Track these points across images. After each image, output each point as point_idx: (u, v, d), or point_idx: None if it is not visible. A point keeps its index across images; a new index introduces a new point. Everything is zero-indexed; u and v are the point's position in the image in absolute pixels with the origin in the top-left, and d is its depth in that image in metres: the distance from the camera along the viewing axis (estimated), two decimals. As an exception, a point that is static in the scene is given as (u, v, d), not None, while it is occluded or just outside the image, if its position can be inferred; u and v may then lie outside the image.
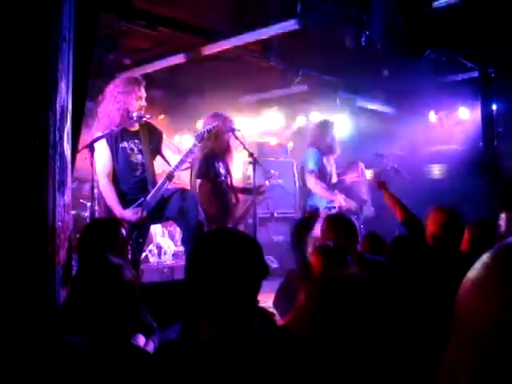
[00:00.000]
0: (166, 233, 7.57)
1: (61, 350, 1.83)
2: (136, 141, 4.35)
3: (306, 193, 6.20)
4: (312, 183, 6.06)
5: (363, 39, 5.00)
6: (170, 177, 4.30)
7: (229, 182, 5.36)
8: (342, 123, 8.86)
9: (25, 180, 2.57)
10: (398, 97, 8.06)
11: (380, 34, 4.85)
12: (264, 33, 5.59)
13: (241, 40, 5.87)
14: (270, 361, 1.44)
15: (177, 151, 4.73)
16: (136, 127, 4.39)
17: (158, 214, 4.33)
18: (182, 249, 6.65)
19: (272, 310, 3.61)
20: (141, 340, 2.78)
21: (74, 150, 3.14)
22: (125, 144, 4.30)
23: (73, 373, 1.75)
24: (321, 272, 2.80)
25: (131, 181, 4.31)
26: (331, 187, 6.28)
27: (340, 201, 6.29)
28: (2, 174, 2.53)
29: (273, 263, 7.36)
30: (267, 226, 8.50)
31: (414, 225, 3.82)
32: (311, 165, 6.09)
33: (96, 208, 4.37)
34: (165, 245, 7.41)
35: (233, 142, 5.36)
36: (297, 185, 7.80)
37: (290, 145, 9.08)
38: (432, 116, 8.72)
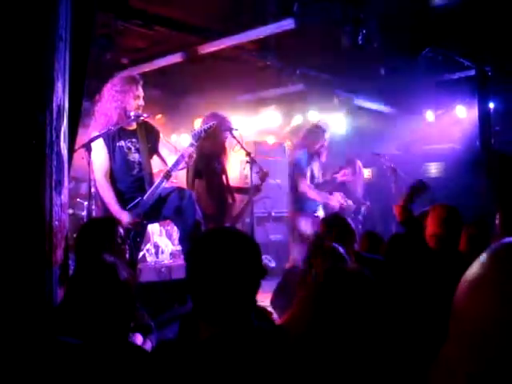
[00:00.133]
0: (164, 232, 7.56)
1: (58, 349, 1.82)
2: (133, 140, 4.35)
3: (297, 195, 6.25)
4: (306, 187, 6.12)
5: (360, 38, 5.00)
6: (167, 176, 4.30)
7: (225, 182, 5.36)
8: (339, 122, 8.88)
9: (22, 179, 2.56)
10: (395, 96, 8.06)
11: (377, 32, 4.85)
12: (261, 32, 5.59)
13: (238, 39, 5.86)
14: (268, 360, 1.44)
15: (174, 151, 4.72)
16: (133, 126, 4.39)
17: (155, 213, 4.32)
18: (179, 248, 6.64)
19: (270, 308, 3.61)
20: (138, 339, 2.78)
21: (71, 150, 3.14)
22: (122, 143, 4.30)
23: (69, 372, 1.74)
24: (319, 271, 2.80)
25: (128, 180, 4.30)
26: (317, 187, 6.35)
27: (338, 200, 6.33)
28: (-2, 174, 2.53)
29: (270, 262, 7.37)
30: (265, 225, 8.51)
31: (412, 223, 3.82)
32: (303, 168, 6.15)
33: (93, 207, 4.36)
34: (162, 244, 7.41)
35: (230, 142, 5.37)
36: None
37: (288, 144, 9.08)
38: (429, 115, 8.72)
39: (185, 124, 8.56)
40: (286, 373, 1.42)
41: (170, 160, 4.45)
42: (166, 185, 4.31)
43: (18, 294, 2.48)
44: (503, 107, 7.32)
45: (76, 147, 3.59)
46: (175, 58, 6.52)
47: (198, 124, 5.35)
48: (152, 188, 4.24)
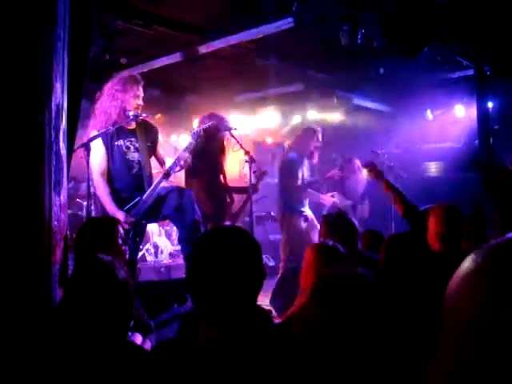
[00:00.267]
0: (163, 232, 7.57)
1: (59, 347, 1.83)
2: (132, 139, 4.35)
3: (286, 196, 6.31)
4: (299, 189, 6.21)
5: (359, 37, 5.00)
6: (166, 175, 4.30)
7: (222, 181, 5.37)
8: (339, 121, 8.88)
9: (21, 179, 2.57)
10: (394, 95, 8.06)
11: (376, 32, 4.85)
12: (260, 31, 5.59)
13: (237, 39, 5.86)
14: (269, 359, 1.44)
15: (172, 151, 4.74)
16: (133, 125, 4.40)
17: (154, 212, 4.33)
18: (178, 248, 6.64)
19: (268, 307, 3.62)
20: (138, 339, 2.79)
21: (70, 150, 3.14)
22: (120, 142, 4.30)
23: (70, 371, 1.75)
24: (315, 270, 2.80)
25: (127, 179, 4.31)
26: (305, 187, 6.43)
27: (329, 200, 6.43)
28: (-3, 174, 2.53)
29: (269, 262, 7.38)
30: (264, 224, 8.52)
31: (415, 217, 3.82)
32: (294, 169, 6.20)
33: (92, 207, 4.37)
34: (161, 244, 7.40)
35: (229, 141, 5.37)
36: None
37: (287, 143, 9.08)
38: (428, 114, 8.73)
39: (184, 124, 8.56)
40: (286, 373, 1.42)
41: (168, 161, 4.48)
42: (164, 184, 4.32)
43: (18, 294, 2.49)
44: (502, 106, 7.31)
45: (75, 147, 3.60)
46: (174, 58, 6.51)
47: (196, 124, 5.35)
48: (151, 188, 4.24)
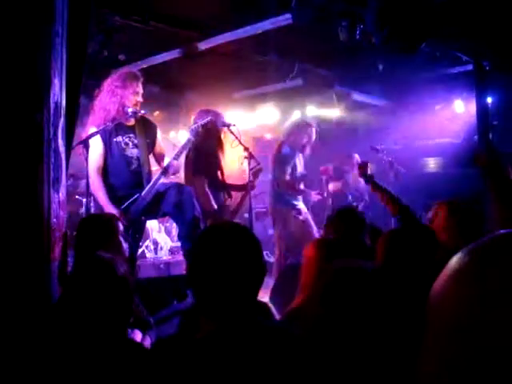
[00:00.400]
0: (163, 228, 7.57)
1: (59, 344, 1.83)
2: (131, 135, 4.35)
3: (278, 191, 6.33)
4: (288, 184, 6.25)
5: (357, 33, 4.99)
6: (165, 171, 4.31)
7: (220, 178, 5.36)
8: (338, 117, 8.87)
9: (19, 177, 2.57)
10: (394, 90, 8.05)
11: (374, 27, 4.84)
12: (259, 27, 5.58)
13: (236, 35, 5.85)
14: (270, 355, 1.44)
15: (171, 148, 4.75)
16: (132, 122, 4.40)
17: (154, 209, 4.33)
18: (178, 244, 6.65)
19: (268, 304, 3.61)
20: (137, 335, 2.79)
21: (69, 147, 3.13)
22: (119, 138, 4.30)
23: (70, 367, 1.75)
24: (316, 266, 2.79)
25: (126, 175, 4.31)
26: (298, 180, 6.45)
27: (316, 196, 6.50)
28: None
29: (269, 258, 7.37)
30: (264, 220, 8.51)
31: (408, 217, 3.82)
32: (285, 164, 6.23)
33: (92, 204, 4.36)
34: (161, 240, 7.40)
35: (228, 137, 5.37)
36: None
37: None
38: (427, 109, 8.72)
39: (183, 120, 8.54)
40: (287, 368, 1.42)
41: (167, 158, 4.49)
42: (164, 181, 4.32)
43: (17, 291, 2.49)
44: (501, 101, 7.30)
45: (74, 144, 3.59)
46: (173, 55, 6.50)
47: (192, 121, 5.34)
48: (150, 184, 4.25)
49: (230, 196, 5.42)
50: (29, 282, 2.53)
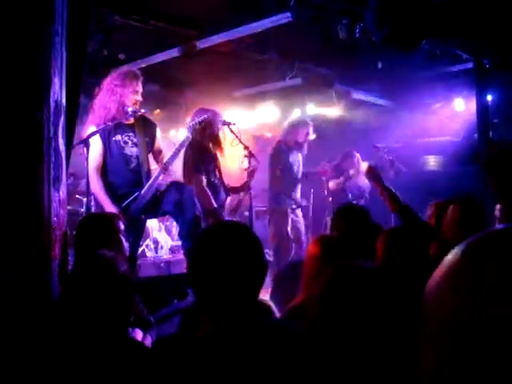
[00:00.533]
0: (163, 227, 7.58)
1: (59, 342, 1.83)
2: (130, 134, 4.35)
3: (272, 191, 6.37)
4: (279, 182, 6.33)
5: (357, 31, 4.99)
6: (164, 169, 4.31)
7: (219, 177, 5.36)
8: (338, 116, 8.87)
9: (20, 176, 2.57)
10: (394, 89, 8.05)
11: (374, 26, 4.83)
12: (258, 26, 5.57)
13: (235, 33, 5.85)
14: (270, 353, 1.44)
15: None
16: (131, 121, 4.40)
17: (154, 208, 4.33)
18: (178, 243, 6.65)
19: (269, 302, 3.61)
20: (138, 334, 2.79)
21: (69, 146, 3.13)
22: (118, 137, 4.30)
23: (70, 366, 1.75)
24: (318, 264, 2.79)
25: (125, 173, 4.31)
26: (296, 182, 6.48)
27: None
28: (-4, 170, 2.53)
29: (269, 256, 7.37)
30: (264, 219, 8.50)
31: (408, 215, 3.82)
32: (276, 163, 6.32)
33: (92, 203, 4.37)
34: (161, 239, 7.41)
35: (228, 136, 5.37)
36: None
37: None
38: (427, 107, 8.71)
39: (183, 119, 8.53)
40: (288, 367, 1.42)
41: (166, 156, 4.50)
42: (162, 178, 4.32)
43: (18, 289, 2.49)
44: (501, 100, 7.29)
45: (74, 143, 3.59)
46: (173, 53, 6.50)
47: (188, 120, 5.34)
48: (149, 183, 4.25)
49: (229, 195, 5.43)
50: (29, 281, 2.53)
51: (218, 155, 5.36)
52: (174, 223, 6.93)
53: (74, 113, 3.18)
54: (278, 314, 2.92)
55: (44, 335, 2.11)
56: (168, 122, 8.64)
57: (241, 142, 5.22)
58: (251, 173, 5.39)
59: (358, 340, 1.40)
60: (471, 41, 6.26)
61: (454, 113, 8.49)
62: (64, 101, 2.81)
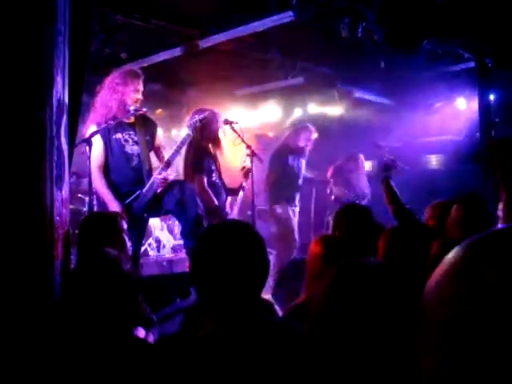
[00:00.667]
0: (165, 226, 7.58)
1: (63, 341, 1.84)
2: (130, 132, 4.36)
3: (271, 190, 6.39)
4: (275, 185, 6.40)
5: (359, 30, 4.98)
6: (166, 166, 4.31)
7: (218, 177, 5.36)
8: (339, 115, 8.87)
9: (22, 174, 2.57)
10: (395, 88, 8.04)
11: (376, 25, 4.83)
12: (260, 25, 5.57)
13: (237, 33, 5.84)
14: (272, 352, 1.44)
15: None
16: (131, 119, 4.41)
17: (156, 207, 4.33)
18: (180, 242, 6.66)
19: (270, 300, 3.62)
20: (141, 333, 2.80)
21: (71, 145, 3.14)
22: (118, 135, 4.31)
23: (74, 364, 1.75)
24: (320, 262, 2.80)
25: (126, 171, 4.32)
26: (295, 186, 6.49)
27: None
28: (-1, 169, 2.53)
29: (271, 255, 7.38)
30: (266, 218, 8.51)
31: (406, 217, 3.83)
32: (275, 166, 6.37)
33: (94, 202, 4.37)
34: (164, 238, 7.42)
35: (230, 135, 5.37)
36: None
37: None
38: (429, 107, 8.70)
39: (185, 118, 8.52)
40: (290, 365, 1.42)
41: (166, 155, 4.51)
42: (163, 176, 4.33)
43: (20, 288, 2.49)
44: (503, 99, 7.28)
45: (76, 142, 3.60)
46: (175, 52, 6.50)
47: (187, 120, 5.33)
48: (150, 181, 4.26)
49: (228, 194, 5.44)
50: (32, 280, 2.54)
51: (218, 155, 5.36)
52: (176, 222, 6.93)
53: (77, 112, 3.18)
54: (280, 313, 2.93)
55: (47, 334, 2.12)
56: (170, 121, 8.64)
57: (243, 141, 5.22)
58: (246, 173, 5.40)
59: (361, 339, 1.40)
60: (473, 40, 6.25)
61: (455, 112, 8.48)
62: (66, 100, 2.82)
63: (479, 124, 7.00)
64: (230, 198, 5.48)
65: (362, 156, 7.32)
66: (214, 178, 5.23)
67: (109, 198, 4.17)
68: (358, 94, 8.48)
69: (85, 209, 6.23)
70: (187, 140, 4.53)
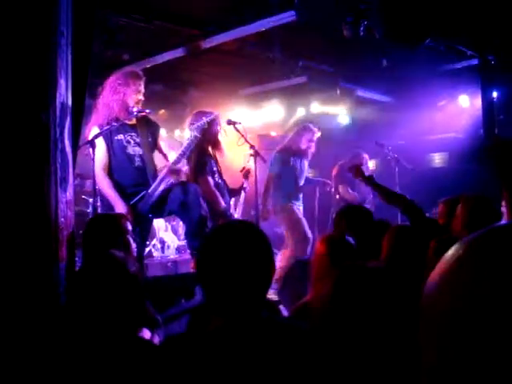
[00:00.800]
0: (169, 227, 7.59)
1: (68, 342, 1.84)
2: (132, 133, 4.37)
3: (275, 190, 6.38)
4: (277, 186, 6.33)
5: (361, 29, 4.98)
6: (172, 170, 4.31)
7: (221, 179, 5.36)
8: (342, 114, 8.87)
9: (26, 177, 2.58)
10: (398, 86, 8.03)
11: (378, 23, 4.83)
12: (263, 25, 5.57)
13: (240, 32, 5.85)
14: (277, 351, 1.44)
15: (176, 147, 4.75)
16: (133, 121, 4.41)
17: (160, 208, 4.34)
18: (185, 243, 6.67)
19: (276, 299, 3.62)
20: (146, 334, 2.80)
21: (75, 147, 3.14)
22: (120, 136, 4.32)
23: (79, 365, 1.76)
24: (326, 262, 2.80)
25: (130, 171, 4.32)
26: (297, 187, 6.46)
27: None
28: (4, 172, 2.54)
29: (275, 255, 7.39)
30: (270, 217, 8.51)
31: (413, 211, 3.80)
32: (277, 166, 6.36)
33: (98, 204, 4.38)
34: (168, 239, 7.43)
35: (233, 135, 5.37)
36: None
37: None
38: (432, 104, 8.69)
39: (188, 119, 8.54)
40: (295, 364, 1.43)
41: (171, 156, 4.49)
42: (169, 179, 4.33)
43: (25, 290, 2.50)
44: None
45: (80, 144, 3.61)
46: (177, 53, 6.51)
47: (187, 124, 5.29)
48: (156, 182, 4.26)
49: (229, 195, 5.44)
50: (37, 282, 2.54)
51: (218, 157, 5.36)
52: (181, 223, 6.94)
53: (80, 114, 3.19)
54: (284, 312, 2.93)
55: (52, 335, 2.12)
56: (173, 121, 8.64)
57: (246, 141, 5.22)
58: (246, 175, 5.40)
59: (366, 339, 1.40)
60: (476, 37, 6.23)
61: (459, 110, 8.46)
62: (70, 102, 2.82)
63: (483, 121, 6.99)
64: (233, 199, 5.49)
65: (366, 155, 7.31)
66: (217, 179, 5.23)
67: (115, 198, 4.17)
68: (360, 92, 8.48)
69: (89, 210, 6.25)
70: (194, 142, 4.50)
